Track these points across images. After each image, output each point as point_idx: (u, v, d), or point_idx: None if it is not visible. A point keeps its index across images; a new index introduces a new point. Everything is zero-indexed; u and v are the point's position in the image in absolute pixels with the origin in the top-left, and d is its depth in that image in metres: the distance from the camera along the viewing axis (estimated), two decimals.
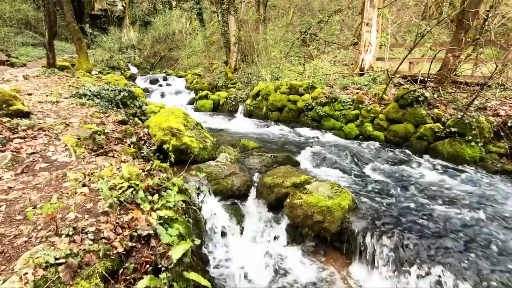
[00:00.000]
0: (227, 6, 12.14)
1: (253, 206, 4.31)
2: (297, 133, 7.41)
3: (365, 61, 8.91)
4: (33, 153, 2.98)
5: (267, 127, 8.22)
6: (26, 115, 4.05)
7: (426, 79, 6.54)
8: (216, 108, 11.18)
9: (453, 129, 5.36)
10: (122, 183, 2.30)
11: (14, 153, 2.87)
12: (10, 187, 2.29)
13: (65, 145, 3.25)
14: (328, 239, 3.62)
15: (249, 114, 9.83)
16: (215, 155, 5.14)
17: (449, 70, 6.26)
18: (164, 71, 21.13)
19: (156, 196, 2.51)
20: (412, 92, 6.00)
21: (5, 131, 3.28)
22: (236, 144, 6.03)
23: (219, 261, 3.51)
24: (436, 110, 5.94)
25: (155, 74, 19.69)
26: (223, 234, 3.88)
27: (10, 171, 2.57)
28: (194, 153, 4.85)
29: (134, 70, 21.08)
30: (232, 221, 4.03)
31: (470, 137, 5.19)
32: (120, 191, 2.17)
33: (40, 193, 2.20)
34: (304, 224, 3.66)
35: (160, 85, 16.19)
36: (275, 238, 3.94)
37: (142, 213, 2.14)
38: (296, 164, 5.23)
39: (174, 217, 2.24)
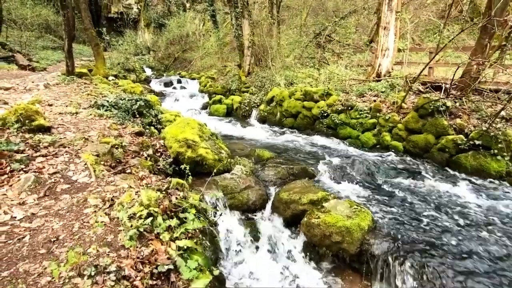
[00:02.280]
0: (241, 10, 12.10)
1: (268, 222, 4.26)
2: (312, 142, 7.29)
3: (382, 66, 8.68)
4: (55, 173, 3.03)
5: (281, 134, 8.14)
6: (47, 129, 4.14)
7: (447, 85, 6.28)
8: (230, 113, 11.18)
9: (477, 142, 5.13)
10: (141, 210, 2.30)
11: (37, 173, 2.93)
12: (33, 214, 2.33)
13: (85, 164, 3.29)
14: (346, 259, 3.53)
15: (262, 120, 9.77)
16: (230, 167, 5.11)
17: (472, 78, 5.99)
18: (178, 72, 21.36)
19: (174, 221, 2.50)
20: (433, 102, 5.79)
21: (28, 149, 3.35)
22: (250, 154, 6.00)
23: (235, 280, 3.48)
24: (458, 121, 5.70)
25: (169, 76, 19.94)
26: (239, 250, 3.85)
27: (33, 194, 2.62)
28: (210, 165, 4.86)
29: (148, 72, 21.42)
30: (248, 237, 4.00)
31: (495, 151, 4.96)
32: (140, 221, 2.17)
33: (62, 221, 2.23)
34: (322, 244, 3.59)
35: (174, 88, 16.35)
36: (292, 256, 3.88)
37: (162, 244, 2.13)
38: (312, 176, 5.15)
39: (193, 247, 2.22)
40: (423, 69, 6.43)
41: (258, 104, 10.35)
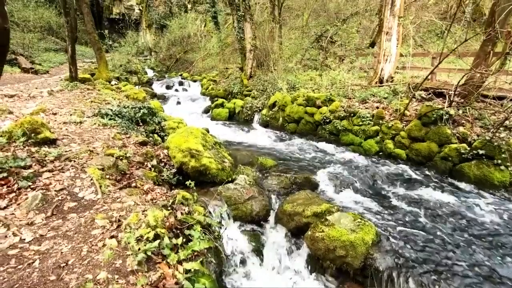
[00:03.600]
0: (243, 13, 12.09)
1: (272, 233, 4.28)
2: (314, 148, 7.30)
3: (384, 71, 8.67)
4: (61, 189, 3.06)
5: (284, 140, 8.15)
6: (52, 142, 4.17)
7: (450, 92, 6.26)
8: (232, 117, 11.19)
9: (480, 151, 5.13)
10: (148, 232, 2.32)
11: (44, 190, 2.96)
12: (42, 235, 2.35)
13: (91, 179, 3.32)
14: (350, 273, 3.55)
15: (265, 124, 9.79)
16: (234, 176, 5.13)
17: (475, 85, 5.97)
18: (179, 74, 21.39)
19: (180, 240, 2.52)
20: (435, 110, 5.78)
21: (35, 164, 3.38)
22: (253, 162, 6.01)
23: None
24: (461, 129, 5.69)
25: (171, 77, 19.96)
26: (243, 263, 3.87)
27: (41, 213, 2.64)
28: (213, 174, 4.89)
29: (150, 73, 21.46)
30: (252, 249, 4.01)
31: (499, 161, 4.96)
32: (148, 244, 2.19)
33: (70, 243, 2.25)
34: (326, 257, 3.61)
35: (176, 90, 16.38)
36: (296, 268, 3.90)
37: (169, 267, 2.15)
38: (315, 186, 5.17)
39: (199, 270, 2.25)
40: (426, 77, 6.42)
41: (261, 108, 10.36)
